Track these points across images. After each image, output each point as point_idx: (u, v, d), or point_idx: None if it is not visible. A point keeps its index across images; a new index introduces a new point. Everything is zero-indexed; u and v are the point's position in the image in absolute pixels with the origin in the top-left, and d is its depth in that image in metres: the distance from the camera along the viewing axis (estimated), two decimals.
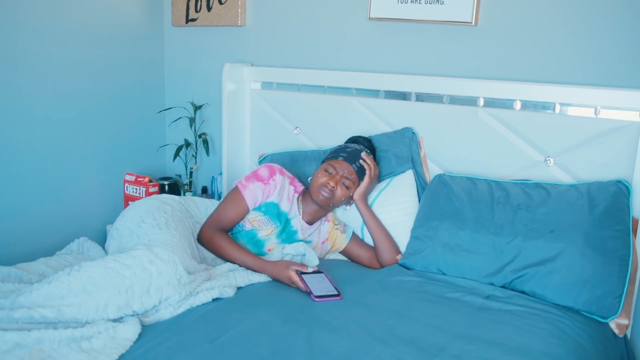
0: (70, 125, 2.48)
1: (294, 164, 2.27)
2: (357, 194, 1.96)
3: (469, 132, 2.07)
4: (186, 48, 2.81)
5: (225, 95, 2.49)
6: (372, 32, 2.30)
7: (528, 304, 1.64)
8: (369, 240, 2.06)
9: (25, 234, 2.33)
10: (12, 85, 2.24)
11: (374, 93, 2.28)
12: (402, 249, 1.98)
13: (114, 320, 1.45)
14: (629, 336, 1.77)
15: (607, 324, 1.64)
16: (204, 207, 2.03)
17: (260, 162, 2.40)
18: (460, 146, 2.09)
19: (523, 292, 1.71)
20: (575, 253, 1.66)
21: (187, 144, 2.72)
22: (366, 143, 2.10)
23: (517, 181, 1.93)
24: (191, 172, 2.74)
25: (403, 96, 2.22)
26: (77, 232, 2.42)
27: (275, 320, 1.48)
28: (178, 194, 2.75)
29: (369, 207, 2.00)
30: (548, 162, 1.95)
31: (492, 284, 1.75)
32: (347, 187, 1.93)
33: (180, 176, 2.83)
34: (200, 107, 2.71)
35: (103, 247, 1.96)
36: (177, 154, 2.68)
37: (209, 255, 1.88)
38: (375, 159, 2.10)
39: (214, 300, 1.59)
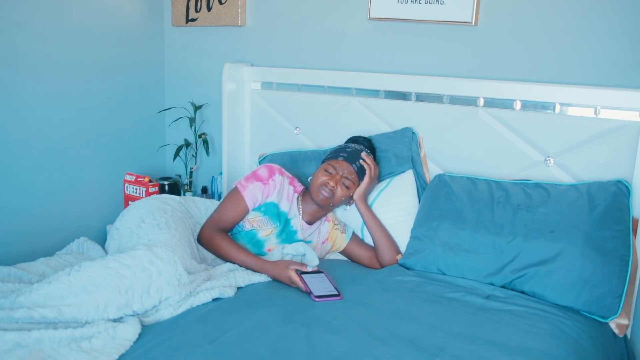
0: (70, 125, 2.48)
1: (294, 164, 2.27)
2: (357, 194, 1.96)
3: (469, 132, 2.07)
4: (186, 48, 2.81)
5: (225, 95, 2.49)
6: (372, 32, 2.30)
7: (528, 304, 1.64)
8: (369, 240, 2.06)
9: (25, 234, 2.33)
10: (12, 85, 2.24)
11: (374, 93, 2.28)
12: (402, 249, 1.98)
13: (114, 320, 1.45)
14: (629, 336, 1.77)
15: (607, 324, 1.64)
16: (204, 207, 2.03)
17: (260, 162, 2.40)
18: (460, 146, 2.09)
19: (523, 292, 1.71)
20: (576, 253, 1.66)
21: (187, 144, 2.72)
22: (366, 143, 2.10)
23: (517, 181, 1.93)
24: (191, 172, 2.74)
25: (403, 96, 2.22)
26: (77, 232, 2.42)
27: (275, 320, 1.48)
28: (178, 194, 2.75)
29: (369, 208, 2.00)
30: (548, 162, 1.95)
31: (492, 284, 1.75)
32: (347, 187, 1.93)
33: (180, 176, 2.83)
34: (200, 107, 2.71)
35: (103, 247, 1.96)
36: (177, 154, 2.68)
37: (209, 256, 1.88)
38: (375, 159, 2.10)
39: (214, 300, 1.59)
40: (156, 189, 2.57)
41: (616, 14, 1.84)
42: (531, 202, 1.81)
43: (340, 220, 2.10)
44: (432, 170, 2.16)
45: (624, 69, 1.85)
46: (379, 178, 2.08)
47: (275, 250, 1.89)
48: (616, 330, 1.64)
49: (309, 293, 1.63)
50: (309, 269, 1.73)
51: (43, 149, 2.38)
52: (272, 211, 1.93)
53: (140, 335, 1.39)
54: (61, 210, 2.48)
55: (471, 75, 2.11)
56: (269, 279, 1.75)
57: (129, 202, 2.38)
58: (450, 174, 2.05)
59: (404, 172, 2.12)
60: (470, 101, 2.08)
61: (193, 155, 2.79)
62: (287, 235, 1.95)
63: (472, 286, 1.74)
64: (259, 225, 1.92)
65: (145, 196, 2.52)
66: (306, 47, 2.47)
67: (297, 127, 2.46)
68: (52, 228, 2.43)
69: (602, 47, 1.88)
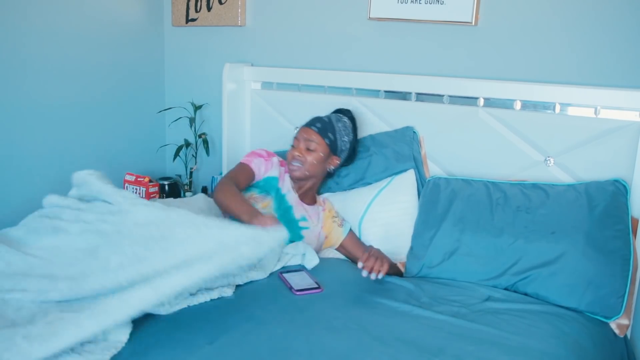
0: (71, 125, 2.48)
1: None
2: None
3: (469, 132, 2.07)
4: (186, 48, 2.81)
5: (226, 95, 2.49)
6: (372, 32, 2.30)
7: (528, 304, 1.64)
8: (366, 236, 2.05)
9: None
10: (12, 86, 2.24)
11: (374, 93, 2.28)
12: (401, 249, 1.97)
13: None
14: (629, 336, 1.77)
15: (607, 324, 1.64)
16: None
17: None
18: (460, 146, 2.09)
19: (526, 294, 1.71)
20: (578, 254, 1.65)
21: (187, 144, 2.72)
22: (343, 114, 2.11)
23: (515, 182, 1.93)
24: (191, 172, 2.74)
25: (403, 96, 2.22)
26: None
27: (275, 320, 1.48)
28: (178, 194, 2.75)
29: None
30: (548, 162, 1.95)
31: (495, 287, 1.75)
32: (313, 150, 1.96)
33: (180, 176, 2.83)
34: (200, 107, 2.71)
35: None
36: (177, 154, 2.68)
37: None
38: (355, 128, 2.11)
39: (212, 299, 1.58)
40: (156, 189, 2.57)
41: (616, 14, 1.84)
42: (530, 203, 1.81)
43: (339, 214, 2.10)
44: (432, 170, 2.16)
45: (624, 69, 1.85)
46: (354, 157, 2.11)
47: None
48: (617, 331, 1.64)
49: (290, 288, 1.66)
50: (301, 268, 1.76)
51: (43, 149, 2.38)
52: (271, 184, 1.98)
53: (138, 333, 1.38)
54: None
55: (471, 75, 2.11)
56: (266, 275, 1.74)
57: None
58: (446, 177, 2.05)
59: (405, 171, 2.11)
60: (470, 101, 2.08)
61: (193, 156, 2.79)
62: (283, 211, 1.95)
63: (472, 288, 1.73)
64: (255, 201, 1.94)
65: (145, 196, 2.52)
66: (306, 47, 2.47)
67: (297, 127, 2.46)
68: None
69: (601, 47, 1.88)
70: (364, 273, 1.66)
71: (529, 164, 1.98)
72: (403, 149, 2.13)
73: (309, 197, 2.06)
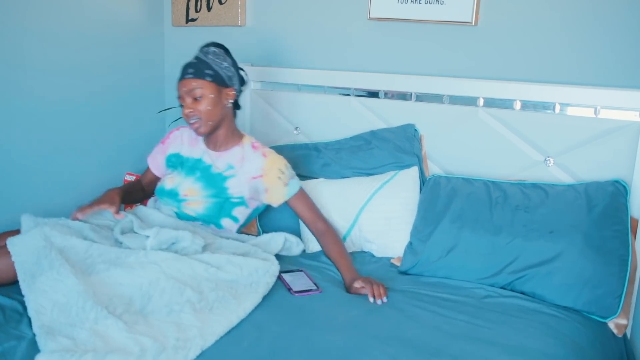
0: (71, 125, 2.48)
1: (294, 156, 2.27)
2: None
3: (469, 132, 2.07)
4: (186, 48, 2.80)
5: None
6: (372, 32, 2.30)
7: (526, 304, 1.64)
8: (364, 228, 2.01)
9: None
10: (13, 85, 2.24)
11: (374, 93, 2.28)
12: (398, 244, 1.97)
13: None
14: (628, 336, 1.77)
15: (605, 323, 1.64)
16: None
17: None
18: (460, 146, 2.09)
19: (523, 293, 1.71)
20: (575, 253, 1.65)
21: None
22: (207, 46, 1.93)
23: (514, 182, 1.93)
24: None
25: (403, 96, 2.22)
26: None
27: (274, 320, 1.48)
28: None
29: None
30: (548, 162, 1.95)
31: (492, 286, 1.75)
32: (201, 97, 1.79)
33: None
34: None
35: None
36: None
37: None
38: (227, 51, 1.94)
39: None
40: None
41: (616, 14, 1.84)
42: (530, 203, 1.81)
43: (289, 170, 1.90)
44: (431, 170, 2.16)
45: (624, 69, 1.85)
46: (240, 85, 1.93)
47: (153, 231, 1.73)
48: (615, 330, 1.64)
49: (288, 289, 1.66)
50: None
51: (43, 149, 2.38)
52: (175, 162, 1.97)
53: None
54: (61, 209, 2.47)
55: (471, 75, 2.11)
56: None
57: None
58: (446, 175, 2.05)
59: (409, 166, 2.11)
60: (470, 101, 2.08)
61: None
62: (203, 174, 1.88)
63: (470, 287, 1.74)
64: (172, 181, 1.92)
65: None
66: (306, 47, 2.47)
67: (297, 127, 2.46)
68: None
69: (601, 47, 1.88)
70: (371, 299, 1.62)
71: (529, 164, 1.98)
72: (405, 145, 2.13)
73: (227, 141, 1.91)
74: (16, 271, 1.47)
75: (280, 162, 1.89)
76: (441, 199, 1.92)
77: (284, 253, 1.95)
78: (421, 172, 2.12)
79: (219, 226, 1.90)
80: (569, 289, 1.64)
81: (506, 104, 2.02)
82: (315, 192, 2.10)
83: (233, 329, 1.43)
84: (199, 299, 1.49)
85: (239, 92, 1.92)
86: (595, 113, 1.87)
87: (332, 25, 2.39)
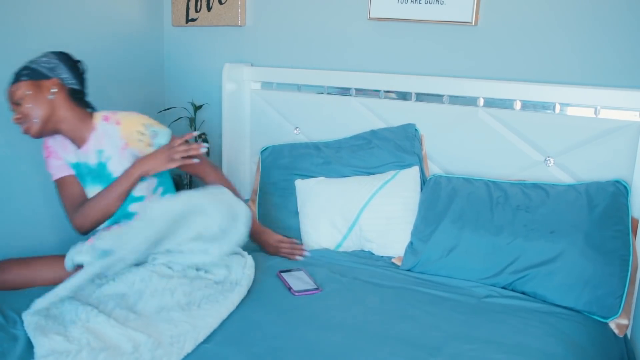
0: None
1: (294, 154, 2.29)
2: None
3: (469, 132, 2.07)
4: (186, 48, 2.81)
5: (225, 95, 2.49)
6: (372, 32, 2.30)
7: (525, 303, 1.64)
8: (365, 227, 2.01)
9: (24, 234, 2.33)
10: None
11: (374, 93, 2.28)
12: (399, 243, 1.97)
13: None
14: (629, 336, 1.77)
15: (606, 323, 1.64)
16: None
17: (262, 154, 2.39)
18: (460, 146, 2.09)
19: (524, 293, 1.71)
20: (576, 253, 1.65)
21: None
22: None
23: (515, 182, 1.93)
24: None
25: (403, 96, 2.22)
26: (77, 232, 2.42)
27: (271, 318, 1.48)
28: None
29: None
30: (548, 162, 1.95)
31: (493, 286, 1.75)
32: (22, 98, 1.71)
33: (180, 176, 2.83)
34: (200, 107, 2.71)
35: None
36: None
37: None
38: (54, 52, 1.84)
39: None
40: None
41: (616, 14, 1.84)
42: (530, 203, 1.81)
43: (150, 128, 1.80)
44: (431, 169, 2.16)
45: (624, 69, 1.85)
46: (75, 65, 1.85)
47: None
48: (616, 331, 1.64)
49: (289, 289, 1.66)
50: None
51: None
52: (75, 168, 1.83)
53: None
54: (61, 210, 2.47)
55: (471, 75, 2.11)
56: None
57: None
58: (447, 175, 2.05)
59: (410, 166, 2.11)
60: (470, 101, 2.08)
61: None
62: (88, 170, 1.81)
63: (470, 286, 1.74)
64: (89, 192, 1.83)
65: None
66: (306, 47, 2.47)
67: (297, 127, 2.46)
68: (53, 227, 2.43)
69: (601, 47, 1.88)
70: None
71: (529, 164, 1.98)
72: (405, 144, 2.13)
73: (81, 131, 1.79)
74: None
75: (136, 124, 1.79)
76: (442, 199, 1.92)
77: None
78: (422, 171, 2.12)
79: (129, 216, 1.78)
80: (570, 289, 1.64)
81: (506, 104, 2.02)
82: (316, 190, 2.10)
83: (232, 328, 1.43)
84: (188, 301, 1.51)
85: (71, 81, 1.80)
86: (595, 113, 1.87)
87: (332, 25, 2.39)
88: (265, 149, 2.40)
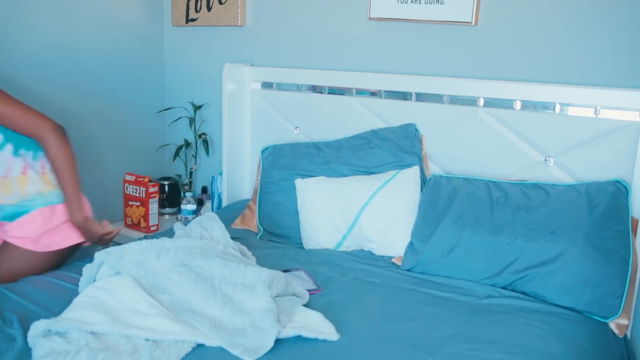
0: (70, 125, 2.47)
1: (294, 154, 2.28)
2: None
3: (469, 132, 2.07)
4: (186, 48, 2.82)
5: (225, 95, 2.49)
6: (372, 32, 2.30)
7: (526, 303, 1.64)
8: (365, 227, 2.02)
9: None
10: (11, 85, 2.24)
11: (374, 93, 2.28)
12: (399, 243, 1.97)
13: None
14: (629, 336, 1.77)
15: (607, 324, 1.64)
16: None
17: (262, 154, 2.40)
18: (460, 146, 2.09)
19: (524, 294, 1.71)
20: (576, 253, 1.65)
21: (187, 144, 2.72)
22: None
23: (515, 182, 1.93)
24: (191, 172, 2.74)
25: (403, 96, 2.22)
26: None
27: None
28: (178, 194, 2.76)
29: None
30: (548, 162, 1.95)
31: (494, 286, 1.75)
32: None
33: (180, 176, 2.83)
34: (200, 107, 2.71)
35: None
36: (177, 154, 2.68)
37: None
38: None
39: None
40: (156, 189, 2.57)
41: (616, 14, 1.84)
42: (530, 203, 1.80)
43: None
44: (431, 169, 2.16)
45: (624, 69, 1.85)
46: None
47: None
48: (616, 331, 1.64)
49: None
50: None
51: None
52: None
53: None
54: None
55: (471, 75, 2.11)
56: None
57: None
58: (447, 175, 2.05)
59: (410, 166, 2.11)
60: (470, 101, 2.08)
61: (193, 156, 2.79)
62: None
63: (469, 286, 1.73)
64: None
65: (145, 196, 2.52)
66: (306, 47, 2.48)
67: (297, 127, 2.46)
68: None
69: (601, 47, 1.88)
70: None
71: (529, 164, 1.98)
72: (405, 144, 2.13)
73: None
74: None
75: None
76: (442, 199, 1.92)
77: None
78: (422, 171, 2.12)
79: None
80: (570, 289, 1.64)
81: (506, 104, 2.02)
82: (316, 190, 2.10)
83: None
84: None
85: None
86: (595, 113, 1.87)
87: (332, 25, 2.39)
88: (266, 148, 2.40)
